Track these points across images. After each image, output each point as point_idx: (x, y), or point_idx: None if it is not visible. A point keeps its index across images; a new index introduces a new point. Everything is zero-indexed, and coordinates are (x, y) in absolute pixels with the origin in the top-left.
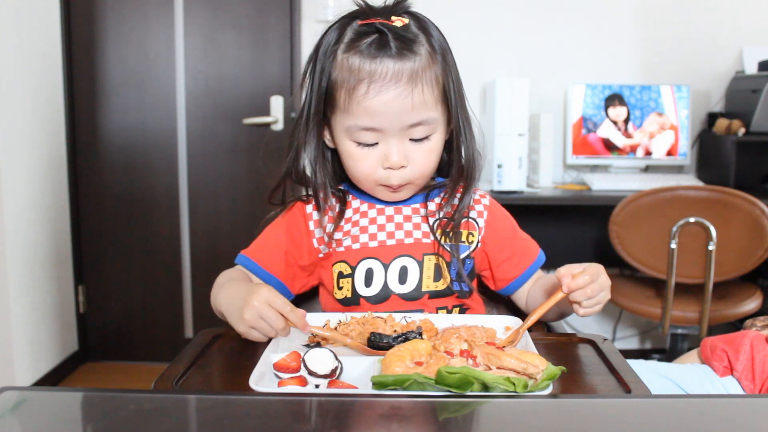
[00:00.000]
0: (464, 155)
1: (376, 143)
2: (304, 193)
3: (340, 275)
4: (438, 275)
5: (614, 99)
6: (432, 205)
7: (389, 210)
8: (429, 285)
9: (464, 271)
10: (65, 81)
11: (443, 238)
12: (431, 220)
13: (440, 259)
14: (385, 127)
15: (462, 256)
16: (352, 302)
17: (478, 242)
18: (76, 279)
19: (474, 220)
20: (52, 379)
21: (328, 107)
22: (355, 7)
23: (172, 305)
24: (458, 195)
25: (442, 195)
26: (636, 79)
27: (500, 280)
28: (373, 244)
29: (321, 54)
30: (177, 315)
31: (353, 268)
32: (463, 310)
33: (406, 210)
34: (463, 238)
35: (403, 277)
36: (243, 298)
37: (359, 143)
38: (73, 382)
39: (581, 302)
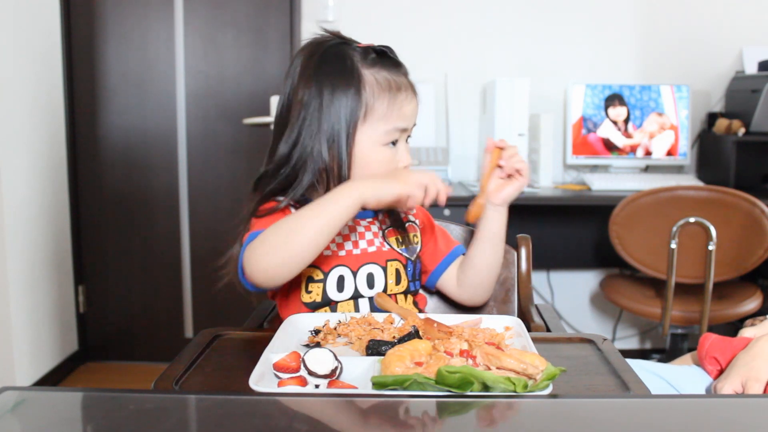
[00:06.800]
0: None
1: (396, 142)
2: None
3: (310, 279)
4: (399, 279)
5: (614, 99)
6: (380, 215)
7: (350, 221)
8: (393, 288)
9: (416, 270)
10: (65, 81)
11: (397, 244)
12: (383, 226)
13: (399, 263)
14: (409, 126)
15: (414, 256)
16: (321, 306)
17: (419, 240)
18: (76, 279)
19: (413, 221)
20: (52, 379)
21: (361, 119)
22: (318, 34)
23: (172, 305)
24: None
25: None
26: (636, 79)
27: (424, 272)
28: (342, 252)
29: (334, 71)
30: (177, 315)
31: (326, 274)
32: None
33: (363, 222)
34: (410, 239)
35: (370, 282)
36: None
37: (388, 144)
38: (73, 382)
39: (521, 169)
